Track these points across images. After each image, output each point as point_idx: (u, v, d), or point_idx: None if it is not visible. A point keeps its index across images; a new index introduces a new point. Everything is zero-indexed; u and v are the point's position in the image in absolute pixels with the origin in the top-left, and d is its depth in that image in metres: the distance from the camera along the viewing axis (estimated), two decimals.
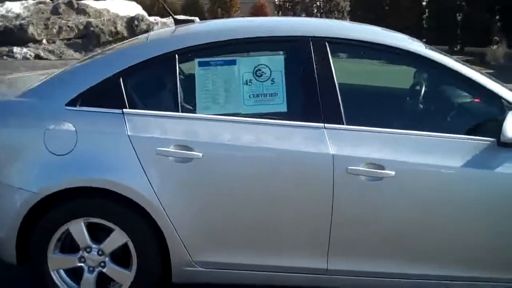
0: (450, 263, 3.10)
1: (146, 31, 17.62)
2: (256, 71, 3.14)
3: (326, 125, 3.06)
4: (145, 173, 3.04)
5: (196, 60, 3.17)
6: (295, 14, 23.08)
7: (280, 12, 23.03)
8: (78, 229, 3.13)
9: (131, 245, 3.15)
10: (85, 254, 3.18)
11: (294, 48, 3.17)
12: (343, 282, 3.20)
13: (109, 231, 3.16)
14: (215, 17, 22.34)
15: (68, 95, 3.14)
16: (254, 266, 3.18)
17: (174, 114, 3.11)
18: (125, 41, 4.19)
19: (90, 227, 3.16)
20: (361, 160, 3.01)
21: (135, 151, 3.04)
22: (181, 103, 3.12)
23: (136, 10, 19.58)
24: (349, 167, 3.01)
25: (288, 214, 3.09)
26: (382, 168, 3.01)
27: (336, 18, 22.41)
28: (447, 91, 3.50)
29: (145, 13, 18.67)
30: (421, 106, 3.55)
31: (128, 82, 3.14)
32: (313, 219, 3.09)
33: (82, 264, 3.20)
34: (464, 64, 3.27)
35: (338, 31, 3.35)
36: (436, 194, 3.02)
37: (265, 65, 3.15)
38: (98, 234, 3.19)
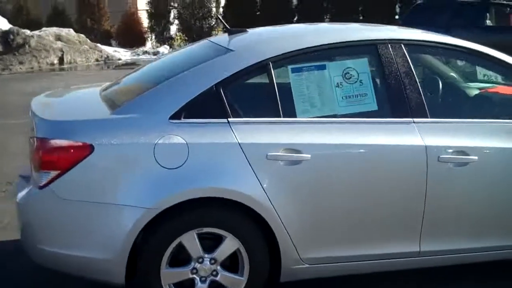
0: None
1: (23, 44, 16.81)
2: (345, 74, 3.36)
3: (415, 119, 3.35)
4: (258, 178, 3.13)
5: (289, 67, 3.31)
6: (168, 21, 23.02)
7: (153, 20, 22.80)
8: (191, 240, 3.15)
9: (242, 251, 3.21)
10: (197, 265, 3.19)
11: (376, 51, 3.42)
12: (433, 262, 3.51)
13: (217, 239, 3.20)
14: (83, 27, 21.70)
15: (170, 108, 3.15)
16: (356, 256, 3.38)
17: (278, 120, 3.24)
18: (173, 52, 4.19)
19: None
20: (449, 149, 3.34)
21: (246, 158, 3.12)
22: (281, 108, 3.25)
23: (3, 24, 18.54)
24: (441, 156, 3.32)
25: (386, 204, 3.34)
26: (467, 154, 3.36)
27: (209, 24, 22.71)
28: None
29: (16, 27, 17.72)
30: (491, 96, 3.95)
31: (228, 92, 3.22)
32: (409, 206, 3.37)
33: (194, 276, 3.21)
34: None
35: (408, 35, 3.65)
36: None
37: (352, 68, 3.37)
38: (204, 243, 3.21)
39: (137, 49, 20.93)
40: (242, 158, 3.12)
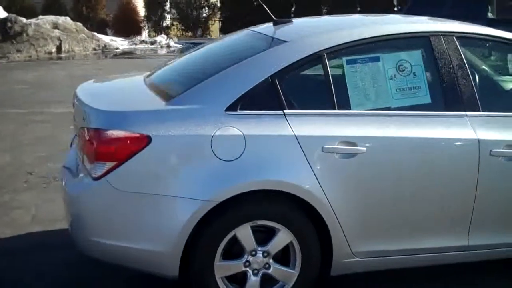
0: None
1: (21, 32, 16.63)
2: (399, 66, 3.33)
3: (468, 113, 3.34)
4: (313, 171, 3.11)
5: (344, 59, 3.28)
6: (164, 10, 22.86)
7: (149, 9, 22.63)
8: (246, 233, 3.12)
9: (295, 244, 3.19)
10: (250, 258, 3.17)
11: (429, 43, 3.40)
12: (481, 255, 3.50)
13: (270, 232, 3.17)
14: (79, 16, 21.50)
15: (226, 100, 3.11)
16: (405, 250, 3.37)
17: (333, 112, 3.21)
18: (217, 38, 4.16)
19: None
20: (502, 143, 3.33)
21: (302, 150, 3.10)
22: (336, 100, 3.22)
23: (0, 11, 18.34)
24: (493, 150, 3.31)
25: (437, 197, 3.33)
26: None
27: (206, 13, 22.61)
28: None
29: (14, 15, 17.51)
30: None
31: (283, 84, 3.18)
32: (459, 199, 3.36)
33: (247, 269, 3.18)
34: None
35: (460, 28, 3.63)
36: None
37: (405, 60, 3.35)
38: (257, 236, 3.18)
39: (134, 38, 20.79)
40: (298, 151, 3.09)
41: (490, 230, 3.47)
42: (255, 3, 21.51)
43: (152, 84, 3.58)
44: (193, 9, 22.46)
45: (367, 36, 3.36)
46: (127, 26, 21.93)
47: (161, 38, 20.65)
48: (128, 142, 2.99)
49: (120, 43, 20.13)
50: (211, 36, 22.81)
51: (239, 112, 3.10)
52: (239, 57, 3.36)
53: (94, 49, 18.46)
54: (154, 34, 22.45)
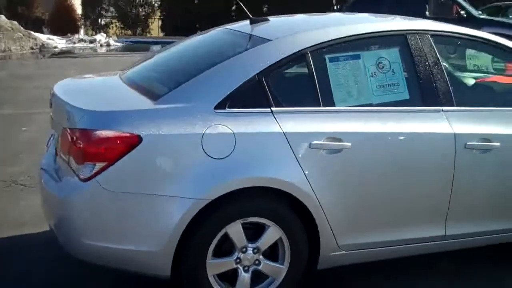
0: None
1: None
2: (378, 63, 3.43)
3: (443, 108, 3.47)
4: (301, 167, 3.17)
5: (327, 56, 3.35)
6: (102, 8, 22.47)
7: (87, 7, 22.19)
8: (237, 230, 3.14)
9: (284, 239, 3.24)
10: (241, 255, 3.19)
11: (406, 41, 3.51)
12: (456, 245, 3.66)
13: (259, 228, 3.21)
14: (14, 14, 20.86)
15: (214, 98, 3.12)
16: (387, 242, 3.48)
17: (319, 109, 3.27)
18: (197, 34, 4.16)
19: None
20: (476, 136, 3.49)
21: (290, 147, 3.15)
22: (320, 97, 3.28)
23: None
24: (468, 143, 3.46)
25: (418, 190, 3.46)
26: (490, 141, 3.51)
27: (146, 12, 22.35)
28: None
29: None
30: (494, 85, 4.13)
31: (269, 81, 3.22)
32: (437, 191, 3.50)
33: (238, 265, 3.21)
34: None
35: (434, 26, 3.77)
36: None
37: (384, 57, 3.45)
38: (246, 233, 3.21)
39: (72, 37, 20.34)
40: (287, 147, 3.14)
41: (465, 220, 3.61)
42: (195, 1, 21.51)
43: (132, 82, 3.54)
44: (132, 7, 22.15)
45: (349, 34, 3.44)
46: (64, 24, 21.44)
47: (101, 37, 20.30)
48: (118, 142, 2.96)
49: (58, 42, 19.69)
50: (151, 34, 22.58)
51: (227, 110, 3.12)
52: (222, 56, 3.39)
53: (32, 48, 17.98)
54: (92, 32, 22.02)
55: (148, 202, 3.00)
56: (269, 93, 3.20)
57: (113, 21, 22.40)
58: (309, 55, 3.31)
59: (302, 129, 3.19)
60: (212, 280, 3.18)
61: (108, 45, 19.70)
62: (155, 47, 17.09)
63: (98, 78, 4.19)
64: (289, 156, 3.15)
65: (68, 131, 3.13)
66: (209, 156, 3.03)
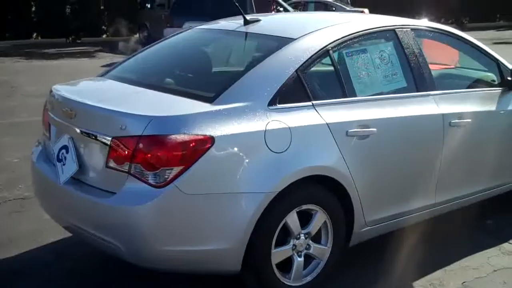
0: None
1: None
2: (381, 56, 3.85)
3: (430, 92, 4.01)
4: (341, 154, 3.47)
5: (345, 51, 3.69)
6: None
7: None
8: (294, 219, 3.35)
9: (328, 222, 3.52)
10: (296, 242, 3.41)
11: (396, 35, 3.98)
12: (444, 209, 4.22)
13: (307, 215, 3.44)
14: None
15: (267, 96, 3.29)
16: (399, 214, 3.92)
17: (347, 100, 3.60)
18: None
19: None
20: (456, 115, 4.08)
21: (333, 136, 3.44)
22: (346, 89, 3.61)
23: None
24: (452, 121, 4.03)
25: (422, 164, 3.97)
26: (464, 118, 4.13)
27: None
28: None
29: None
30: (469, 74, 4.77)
31: (306, 77, 3.47)
32: (432, 165, 4.02)
33: (293, 252, 3.42)
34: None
35: (418, 23, 4.33)
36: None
37: (383, 50, 3.88)
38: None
39: None
40: (330, 137, 3.42)
41: (449, 187, 4.19)
42: None
43: (150, 85, 3.58)
44: None
45: (358, 30, 3.82)
46: None
47: None
48: (194, 145, 3.00)
49: None
50: None
51: (278, 106, 3.30)
52: (252, 56, 3.60)
53: None
54: None
55: (223, 200, 3.08)
56: (307, 88, 3.44)
57: None
58: (331, 50, 3.61)
59: (339, 119, 3.48)
60: (275, 269, 3.34)
61: None
62: None
63: (98, 83, 4.01)
64: (332, 145, 3.43)
65: (128, 139, 3.05)
66: (271, 150, 3.19)
